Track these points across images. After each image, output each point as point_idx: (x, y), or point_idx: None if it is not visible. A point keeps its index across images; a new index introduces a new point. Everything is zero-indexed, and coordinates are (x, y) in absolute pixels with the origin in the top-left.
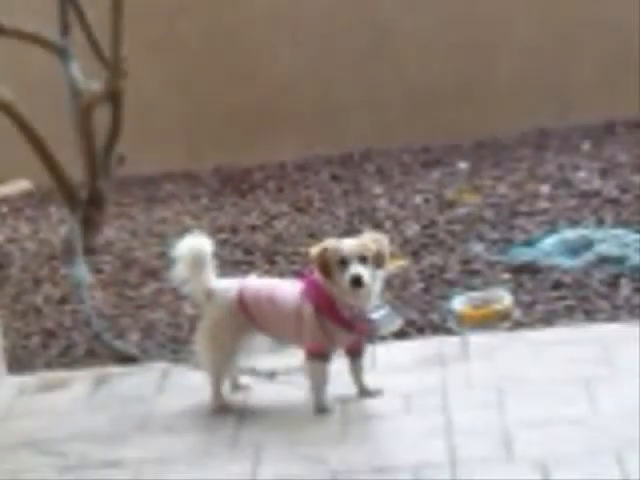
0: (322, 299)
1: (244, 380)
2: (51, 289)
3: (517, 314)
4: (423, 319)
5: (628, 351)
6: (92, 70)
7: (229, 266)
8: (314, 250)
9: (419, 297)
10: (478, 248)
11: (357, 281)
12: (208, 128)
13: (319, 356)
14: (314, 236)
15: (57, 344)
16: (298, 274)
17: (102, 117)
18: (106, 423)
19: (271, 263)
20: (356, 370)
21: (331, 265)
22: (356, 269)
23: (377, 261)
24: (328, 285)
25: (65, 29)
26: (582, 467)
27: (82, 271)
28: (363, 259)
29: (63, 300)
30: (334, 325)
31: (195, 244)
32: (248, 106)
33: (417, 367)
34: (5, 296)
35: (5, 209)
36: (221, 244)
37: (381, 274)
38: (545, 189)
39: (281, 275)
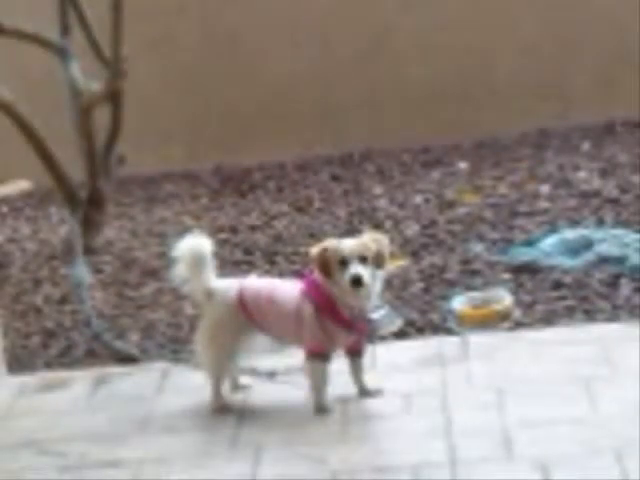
0: (322, 299)
1: (244, 380)
2: (51, 289)
3: (517, 314)
4: (423, 319)
5: (628, 351)
6: (92, 70)
7: (229, 266)
8: (314, 250)
9: (419, 297)
10: (478, 248)
11: (357, 281)
12: (208, 128)
13: (319, 356)
14: (314, 236)
15: (57, 344)
16: (298, 274)
17: (102, 117)
18: (106, 423)
19: (271, 263)
20: (356, 370)
21: (331, 265)
22: (356, 269)
23: (377, 261)
24: (328, 285)
25: (65, 29)
26: (582, 467)
27: (82, 271)
28: (363, 259)
29: (63, 300)
30: (334, 325)
31: (195, 244)
32: (248, 106)
33: (417, 367)
34: (5, 296)
35: (5, 209)
36: (221, 244)
37: (381, 274)
38: (545, 189)
39: (281, 275)
